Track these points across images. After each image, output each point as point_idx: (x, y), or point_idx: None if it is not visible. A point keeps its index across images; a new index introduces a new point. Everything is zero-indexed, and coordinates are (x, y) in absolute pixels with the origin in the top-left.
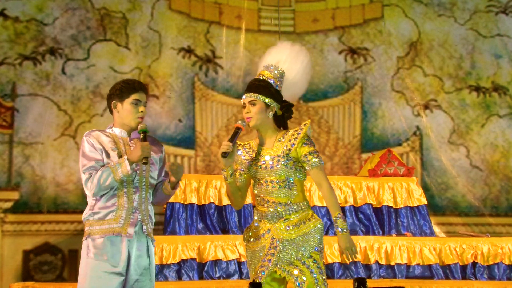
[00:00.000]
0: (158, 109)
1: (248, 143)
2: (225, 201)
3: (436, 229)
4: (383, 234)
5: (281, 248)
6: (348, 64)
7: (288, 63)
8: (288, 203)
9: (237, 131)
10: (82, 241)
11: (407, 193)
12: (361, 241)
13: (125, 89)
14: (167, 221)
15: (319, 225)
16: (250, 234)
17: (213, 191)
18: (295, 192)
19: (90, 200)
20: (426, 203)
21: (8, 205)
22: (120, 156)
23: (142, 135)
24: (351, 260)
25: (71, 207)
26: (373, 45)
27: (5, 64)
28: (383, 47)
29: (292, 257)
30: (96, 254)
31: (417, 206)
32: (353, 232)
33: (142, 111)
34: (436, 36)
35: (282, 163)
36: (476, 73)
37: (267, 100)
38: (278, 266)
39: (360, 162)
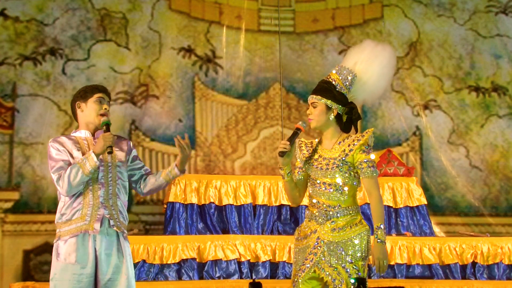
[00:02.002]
0: (158, 109)
1: (311, 142)
2: (225, 201)
3: (436, 229)
4: None
5: (325, 249)
6: None
7: (364, 63)
8: (338, 206)
9: (296, 131)
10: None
11: (407, 193)
12: None
13: (89, 89)
14: (167, 221)
15: (365, 231)
16: (299, 232)
17: (213, 191)
18: (345, 197)
19: (60, 203)
20: (426, 203)
21: (9, 205)
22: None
23: (104, 128)
24: (380, 273)
25: None
26: None
27: (5, 64)
28: None
29: (333, 260)
30: (64, 257)
31: (417, 206)
32: None
33: (105, 108)
34: (436, 36)
35: (337, 166)
36: (476, 73)
37: (328, 102)
38: (318, 266)
39: None
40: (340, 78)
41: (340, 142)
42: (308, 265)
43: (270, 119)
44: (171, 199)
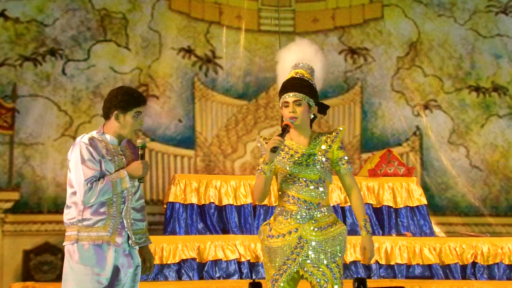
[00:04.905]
0: (158, 109)
1: None
2: (225, 201)
3: (436, 229)
4: (383, 234)
5: (308, 249)
6: (348, 64)
7: (311, 61)
8: (319, 204)
9: (285, 127)
10: (65, 245)
11: (407, 193)
12: None
13: (130, 102)
14: (167, 221)
15: (344, 230)
16: (271, 231)
17: (213, 191)
18: (325, 194)
19: (78, 205)
20: (426, 203)
21: (9, 205)
22: (119, 167)
23: (141, 152)
24: (369, 263)
25: None
26: (373, 45)
27: (5, 65)
28: (383, 47)
29: (317, 260)
30: (81, 259)
31: (417, 206)
32: (353, 232)
33: (141, 124)
34: (436, 36)
35: (319, 162)
36: (476, 73)
37: (311, 101)
38: (302, 266)
39: (360, 162)
40: (310, 75)
41: (315, 138)
42: (290, 265)
43: (270, 119)
44: (171, 199)
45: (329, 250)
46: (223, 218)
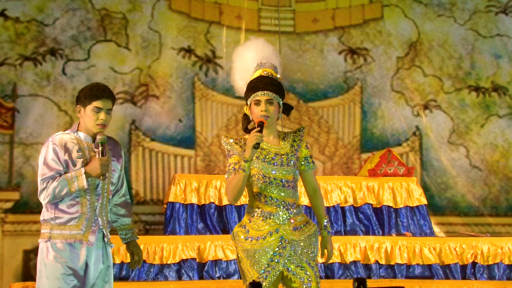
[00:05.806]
0: (158, 109)
1: (244, 138)
2: (225, 201)
3: (436, 229)
4: (383, 234)
5: (290, 249)
6: (348, 64)
7: (271, 61)
8: (294, 203)
9: (261, 124)
10: (39, 242)
11: (407, 193)
12: (361, 241)
13: (88, 95)
14: (167, 221)
15: (317, 229)
16: (248, 233)
17: (213, 191)
18: (297, 194)
19: (51, 204)
20: (426, 203)
21: (9, 205)
22: (86, 164)
23: (100, 148)
24: (329, 261)
25: None
26: (372, 45)
27: (5, 64)
28: (382, 47)
29: (299, 259)
30: (55, 257)
31: (417, 206)
32: (353, 232)
33: (102, 119)
34: (436, 36)
35: (292, 162)
36: (476, 73)
37: (280, 102)
38: (286, 267)
39: (360, 162)
40: (278, 75)
41: (283, 138)
42: (275, 267)
43: None
44: (171, 199)
45: (308, 249)
46: (223, 218)
